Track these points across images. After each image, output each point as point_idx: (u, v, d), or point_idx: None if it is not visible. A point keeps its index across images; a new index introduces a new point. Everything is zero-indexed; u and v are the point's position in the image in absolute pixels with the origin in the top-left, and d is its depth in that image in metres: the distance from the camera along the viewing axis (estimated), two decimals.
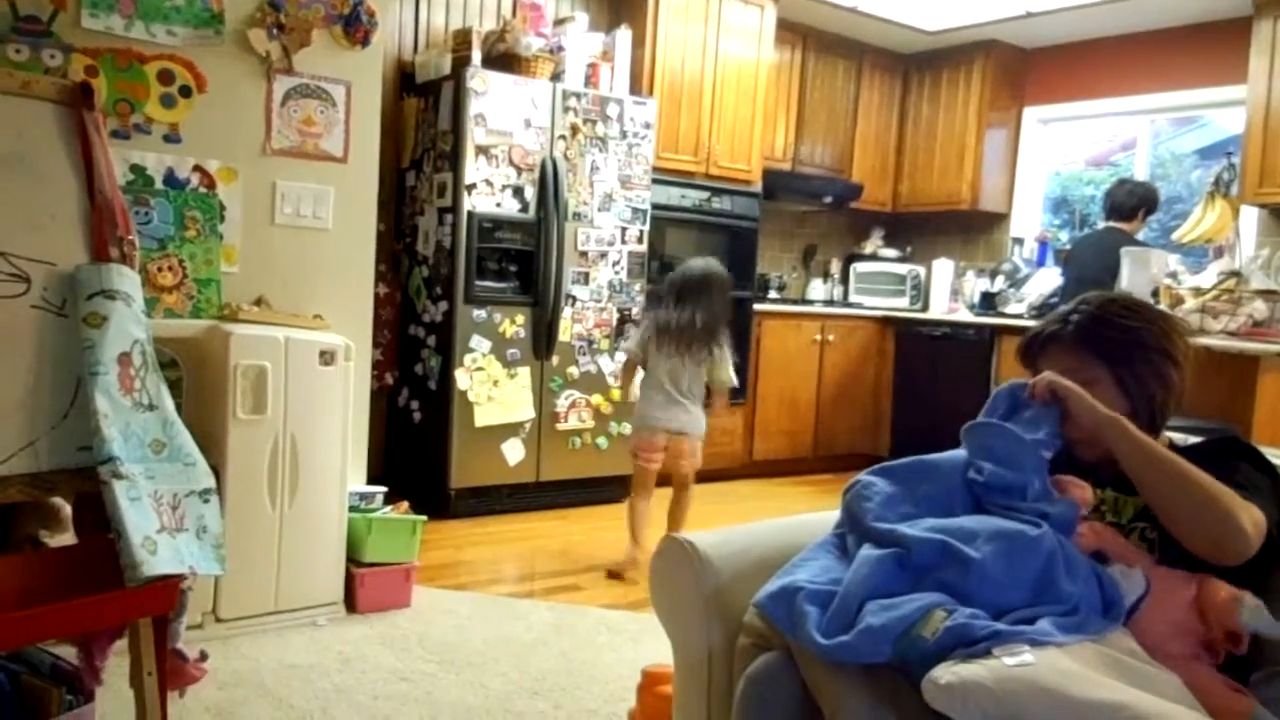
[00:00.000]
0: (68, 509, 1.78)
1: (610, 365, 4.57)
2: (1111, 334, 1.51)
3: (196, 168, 2.98)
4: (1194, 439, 1.58)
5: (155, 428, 1.59)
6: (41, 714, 1.66)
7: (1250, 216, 4.86)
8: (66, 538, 1.81)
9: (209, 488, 1.62)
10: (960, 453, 1.52)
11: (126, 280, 1.61)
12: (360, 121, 3.27)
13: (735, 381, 3.61)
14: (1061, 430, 1.47)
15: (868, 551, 1.32)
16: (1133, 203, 4.60)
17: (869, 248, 6.47)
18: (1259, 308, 2.95)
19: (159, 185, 2.92)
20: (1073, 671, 1.06)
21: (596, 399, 4.54)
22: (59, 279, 1.57)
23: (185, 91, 2.95)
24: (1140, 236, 4.68)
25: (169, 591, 1.50)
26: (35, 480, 1.47)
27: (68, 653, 1.76)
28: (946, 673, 1.07)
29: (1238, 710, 1.08)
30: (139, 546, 1.41)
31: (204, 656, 1.70)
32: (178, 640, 1.63)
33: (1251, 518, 1.28)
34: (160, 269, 2.88)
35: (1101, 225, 4.78)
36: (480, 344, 4.15)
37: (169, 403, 1.63)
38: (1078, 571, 1.25)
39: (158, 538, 1.47)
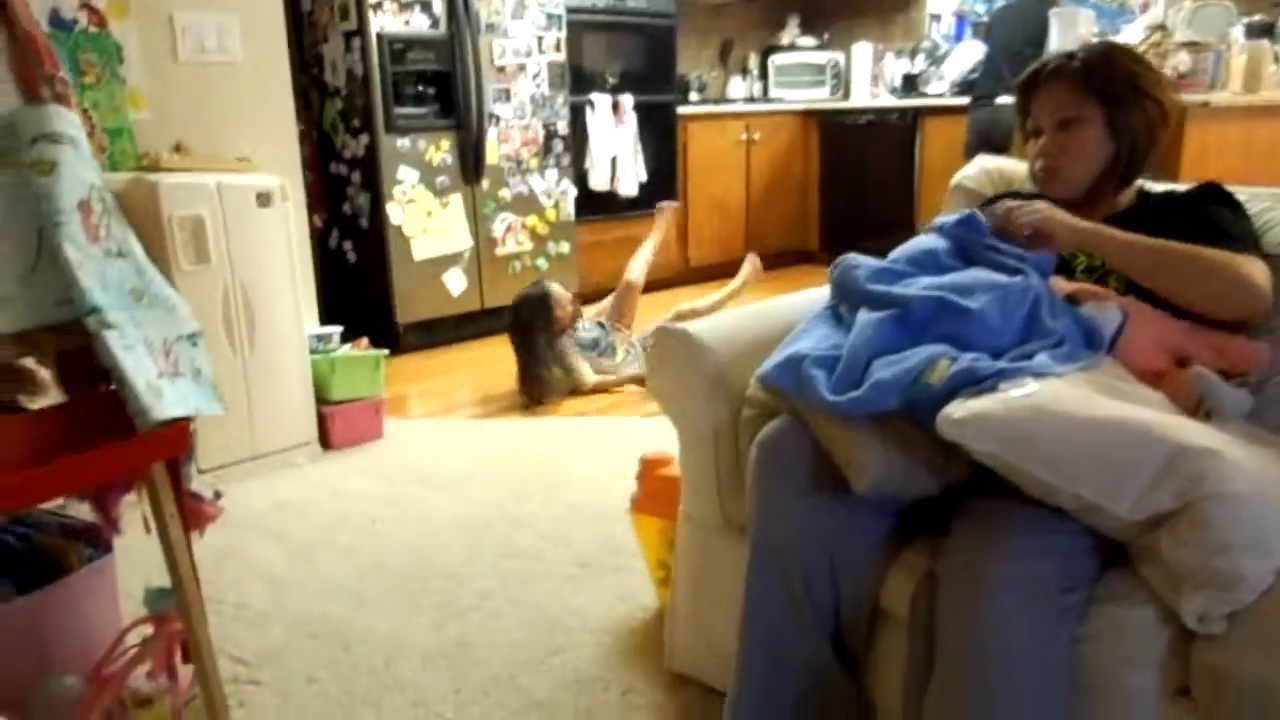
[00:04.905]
0: (43, 371, 1.74)
1: (542, 184, 4.49)
2: (1115, 74, 1.54)
3: (83, 4, 2.74)
4: (1164, 186, 1.65)
5: (130, 275, 1.54)
6: (63, 570, 1.68)
7: None
8: (45, 400, 1.77)
9: (195, 331, 1.59)
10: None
11: (67, 121, 1.50)
12: None
13: None
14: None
15: (867, 315, 1.37)
16: None
17: (786, 38, 6.34)
18: (1183, 59, 3.02)
19: (45, 28, 2.68)
20: (1074, 395, 1.15)
21: (532, 220, 4.49)
22: None
23: None
24: None
25: (181, 434, 1.50)
26: (19, 340, 1.43)
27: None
28: (959, 408, 1.15)
29: (1181, 379, 1.21)
30: (145, 392, 1.39)
31: (218, 495, 1.72)
32: (190, 482, 1.64)
33: (1259, 270, 1.35)
34: None
35: None
36: (408, 174, 4.03)
37: (138, 248, 1.57)
38: (1060, 311, 1.33)
39: (159, 383, 1.46)
